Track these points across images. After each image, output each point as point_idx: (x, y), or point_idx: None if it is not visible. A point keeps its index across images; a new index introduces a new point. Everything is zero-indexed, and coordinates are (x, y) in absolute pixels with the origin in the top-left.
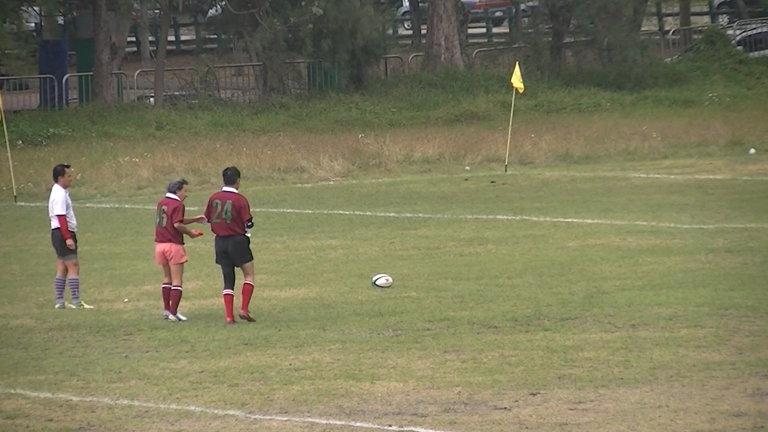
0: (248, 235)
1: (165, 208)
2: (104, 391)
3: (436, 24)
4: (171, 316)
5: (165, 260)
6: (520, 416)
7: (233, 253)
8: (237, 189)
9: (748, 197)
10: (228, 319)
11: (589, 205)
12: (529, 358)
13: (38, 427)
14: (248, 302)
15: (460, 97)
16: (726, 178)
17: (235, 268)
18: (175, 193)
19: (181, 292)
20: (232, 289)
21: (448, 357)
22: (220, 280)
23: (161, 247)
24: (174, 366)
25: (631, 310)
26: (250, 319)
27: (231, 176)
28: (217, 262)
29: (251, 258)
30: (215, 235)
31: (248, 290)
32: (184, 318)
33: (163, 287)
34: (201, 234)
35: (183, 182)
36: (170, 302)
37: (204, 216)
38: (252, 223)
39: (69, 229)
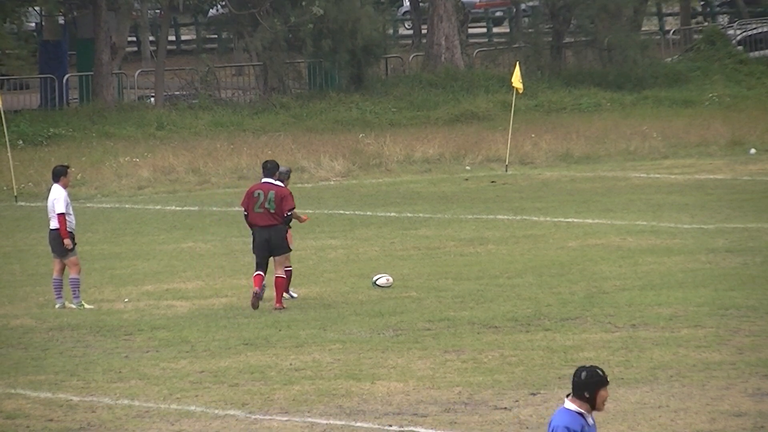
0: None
1: None
2: (104, 391)
3: (437, 24)
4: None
5: None
6: (520, 416)
7: (275, 243)
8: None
9: (749, 197)
10: (256, 288)
11: (589, 205)
12: (530, 358)
13: (38, 427)
14: (282, 295)
15: (461, 97)
16: (726, 178)
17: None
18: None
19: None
20: (264, 273)
21: (448, 357)
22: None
23: None
24: (174, 366)
25: (632, 310)
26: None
27: (271, 168)
28: (254, 252)
29: (290, 249)
30: (254, 226)
31: (281, 284)
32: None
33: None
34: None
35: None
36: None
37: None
38: (291, 214)
39: (68, 229)
